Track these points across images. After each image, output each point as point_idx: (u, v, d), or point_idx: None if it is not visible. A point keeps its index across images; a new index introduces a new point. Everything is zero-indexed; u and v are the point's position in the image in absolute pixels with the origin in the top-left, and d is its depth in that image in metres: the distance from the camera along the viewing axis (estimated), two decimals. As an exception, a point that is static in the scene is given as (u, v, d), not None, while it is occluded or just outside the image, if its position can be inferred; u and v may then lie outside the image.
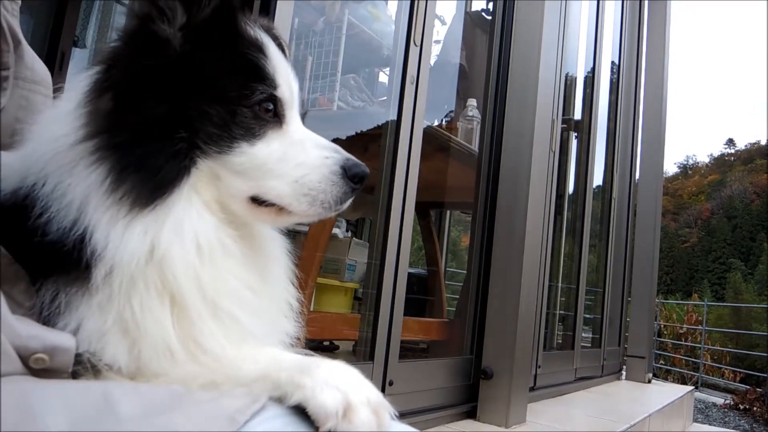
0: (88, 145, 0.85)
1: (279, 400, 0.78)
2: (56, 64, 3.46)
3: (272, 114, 0.98)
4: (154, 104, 0.88)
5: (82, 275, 0.81)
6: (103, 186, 0.83)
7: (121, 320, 0.82)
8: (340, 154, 1.00)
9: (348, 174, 0.99)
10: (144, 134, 0.87)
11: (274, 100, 0.98)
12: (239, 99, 0.94)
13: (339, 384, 0.76)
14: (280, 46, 1.06)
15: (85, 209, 0.82)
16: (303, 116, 1.07)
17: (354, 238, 3.95)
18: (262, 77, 0.97)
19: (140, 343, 0.82)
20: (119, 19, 4.07)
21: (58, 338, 0.76)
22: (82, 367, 0.79)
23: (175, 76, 0.91)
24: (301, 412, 0.76)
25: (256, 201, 0.97)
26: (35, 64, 1.10)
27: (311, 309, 3.02)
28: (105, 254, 0.81)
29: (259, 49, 0.98)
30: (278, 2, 2.05)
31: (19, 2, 1.10)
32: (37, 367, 0.73)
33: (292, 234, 1.14)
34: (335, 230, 3.70)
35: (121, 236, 0.82)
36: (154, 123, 0.88)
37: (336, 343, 3.47)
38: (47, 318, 0.80)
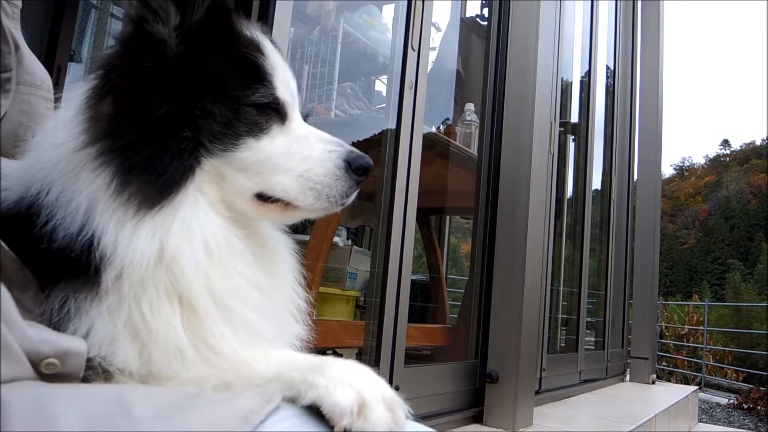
0: (91, 150, 0.85)
1: (292, 400, 0.77)
2: (53, 78, 3.45)
3: (274, 111, 0.99)
4: (156, 105, 0.88)
5: (91, 280, 0.81)
6: (109, 189, 0.83)
7: (131, 324, 0.81)
8: (344, 148, 1.01)
9: (352, 166, 0.99)
10: (147, 135, 0.87)
11: (275, 97, 0.98)
12: (241, 97, 0.95)
13: (353, 382, 0.76)
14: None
15: (92, 214, 0.82)
16: (305, 116, 1.07)
17: (354, 246, 3.94)
18: (262, 75, 0.97)
19: (151, 346, 0.82)
20: (114, 32, 4.08)
21: (70, 342, 0.75)
22: (93, 371, 0.78)
23: (175, 77, 0.91)
24: (315, 411, 0.75)
25: (262, 198, 0.97)
26: (35, 68, 1.10)
27: (314, 318, 3.00)
28: (114, 257, 0.81)
29: (257, 47, 0.99)
30: (277, 2, 2.06)
31: (20, 5, 1.10)
32: (48, 372, 0.73)
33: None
34: (336, 239, 3.69)
35: (130, 239, 0.82)
36: (157, 124, 0.88)
37: (339, 351, 3.45)
38: (56, 324, 0.79)
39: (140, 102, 0.88)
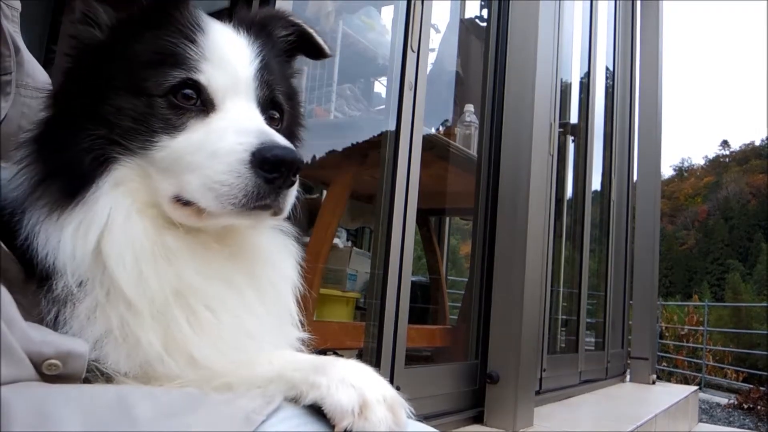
0: (24, 151, 0.87)
1: (294, 400, 0.77)
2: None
3: (198, 102, 0.89)
4: (71, 104, 0.89)
5: (54, 284, 0.80)
6: (29, 189, 0.83)
7: (110, 328, 0.80)
8: (258, 139, 0.84)
9: (256, 160, 0.82)
10: (60, 134, 0.87)
11: (196, 86, 0.89)
12: (154, 89, 0.87)
13: (354, 382, 0.76)
14: (299, 31, 1.07)
15: (24, 215, 0.82)
16: (269, 100, 0.97)
17: (354, 248, 3.94)
18: (179, 63, 0.88)
19: (135, 349, 0.80)
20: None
21: (72, 344, 0.76)
22: (92, 374, 0.78)
23: (94, 75, 0.90)
24: (316, 411, 0.76)
25: (180, 200, 0.87)
26: (35, 71, 1.10)
27: (313, 319, 3.01)
28: (48, 259, 0.80)
29: (185, 35, 0.90)
30: (276, 3, 2.06)
31: (19, 8, 1.10)
32: (50, 373, 0.73)
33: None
34: (336, 240, 3.69)
35: (57, 239, 0.80)
36: (69, 122, 0.87)
37: (339, 353, 3.45)
38: (52, 325, 0.79)
39: (64, 103, 0.90)
